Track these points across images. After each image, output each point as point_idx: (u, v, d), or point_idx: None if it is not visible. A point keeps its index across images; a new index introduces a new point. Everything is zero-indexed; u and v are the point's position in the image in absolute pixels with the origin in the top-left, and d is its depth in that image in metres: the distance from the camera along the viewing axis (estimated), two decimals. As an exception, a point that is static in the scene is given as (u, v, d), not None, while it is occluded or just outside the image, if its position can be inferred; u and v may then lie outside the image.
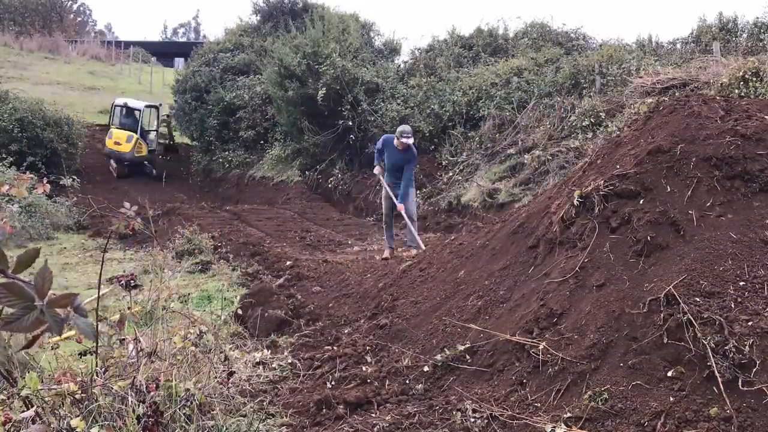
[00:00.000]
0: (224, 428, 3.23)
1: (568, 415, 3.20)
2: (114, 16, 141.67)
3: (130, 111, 22.10)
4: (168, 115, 23.98)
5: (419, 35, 60.49)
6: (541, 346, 3.67)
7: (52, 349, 3.51)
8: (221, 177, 21.59)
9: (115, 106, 22.17)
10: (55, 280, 1.48)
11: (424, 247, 8.30)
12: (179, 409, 3.05)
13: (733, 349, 3.07)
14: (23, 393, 2.60)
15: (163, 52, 44.44)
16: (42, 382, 2.78)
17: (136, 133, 21.46)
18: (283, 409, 3.88)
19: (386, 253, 9.21)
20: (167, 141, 24.16)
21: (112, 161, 22.08)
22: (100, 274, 3.11)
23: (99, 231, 12.78)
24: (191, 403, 3.10)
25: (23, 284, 1.28)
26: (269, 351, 5.01)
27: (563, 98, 13.42)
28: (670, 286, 3.45)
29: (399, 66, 19.97)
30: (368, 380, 4.17)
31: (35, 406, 2.68)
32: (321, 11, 22.08)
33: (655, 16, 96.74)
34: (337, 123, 16.20)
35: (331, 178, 16.93)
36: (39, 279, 1.30)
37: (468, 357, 4.05)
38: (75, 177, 12.54)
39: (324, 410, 3.81)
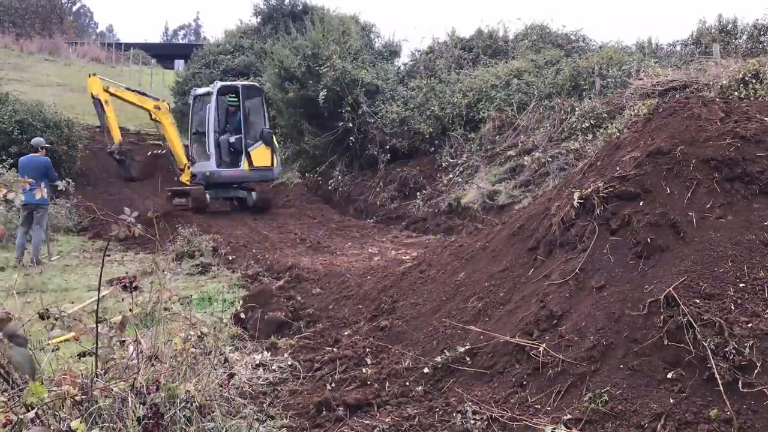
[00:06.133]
0: (224, 430, 3.22)
1: (568, 416, 3.20)
2: (115, 17, 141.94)
3: None
4: None
5: (419, 37, 60.59)
6: (541, 348, 3.67)
7: (52, 351, 3.51)
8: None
9: None
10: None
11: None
12: (179, 410, 3.05)
13: (733, 351, 3.07)
14: (29, 401, 2.60)
15: (164, 53, 44.45)
16: (42, 384, 2.77)
17: None
18: (283, 411, 3.88)
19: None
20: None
21: None
22: (100, 276, 3.11)
23: (99, 233, 12.80)
24: (191, 404, 3.10)
25: None
26: (269, 353, 5.01)
27: (563, 100, 13.43)
28: (670, 288, 3.45)
29: (399, 68, 20.01)
30: (368, 382, 4.17)
31: (35, 408, 2.68)
32: (321, 13, 22.11)
33: (655, 19, 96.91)
34: (337, 125, 16.20)
35: (331, 180, 16.93)
36: None
37: (468, 359, 4.05)
38: (69, 180, 12.48)
39: (324, 412, 3.82)
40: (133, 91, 15.98)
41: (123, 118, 26.54)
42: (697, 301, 3.38)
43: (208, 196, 14.70)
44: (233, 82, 17.08)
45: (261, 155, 14.97)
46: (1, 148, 15.83)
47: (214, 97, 14.81)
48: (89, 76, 15.50)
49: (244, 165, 14.79)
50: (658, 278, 3.66)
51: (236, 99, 15.05)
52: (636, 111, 10.77)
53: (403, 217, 13.82)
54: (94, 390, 2.88)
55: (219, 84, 15.40)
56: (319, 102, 16.17)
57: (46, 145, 11.17)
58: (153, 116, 15.75)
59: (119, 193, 18.06)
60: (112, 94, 15.18)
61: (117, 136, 15.19)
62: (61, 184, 5.29)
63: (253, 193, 15.24)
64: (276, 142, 15.53)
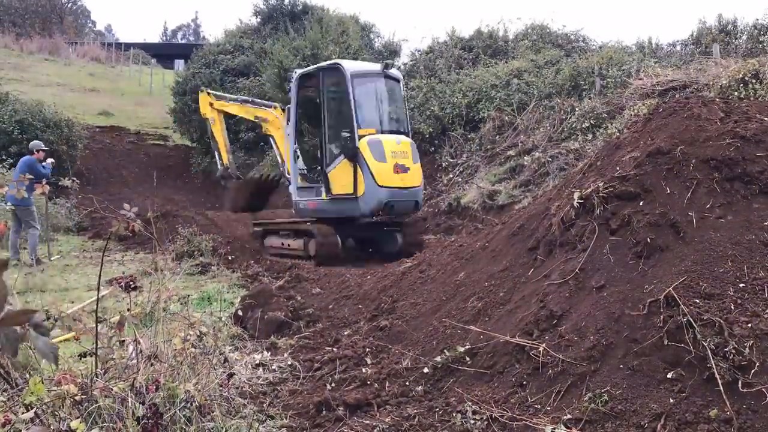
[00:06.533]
0: (224, 430, 3.22)
1: (568, 416, 3.20)
2: (114, 17, 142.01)
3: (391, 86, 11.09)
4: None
5: (419, 37, 60.49)
6: (541, 348, 3.67)
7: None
8: (221, 179, 21.53)
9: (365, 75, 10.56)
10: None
11: None
12: (179, 410, 3.05)
13: (733, 351, 3.07)
14: (28, 400, 2.60)
15: (164, 53, 44.50)
16: (42, 383, 2.77)
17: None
18: (283, 410, 3.88)
19: None
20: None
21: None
22: (99, 275, 3.11)
23: (99, 233, 12.81)
24: (191, 404, 3.10)
25: None
26: (269, 353, 5.01)
27: (563, 100, 13.44)
28: (670, 288, 3.45)
29: (399, 68, 20.00)
30: (368, 382, 4.17)
31: (35, 408, 2.68)
32: (320, 13, 22.12)
33: (655, 19, 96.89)
34: (337, 125, 16.18)
35: (331, 180, 16.88)
36: None
37: (468, 359, 4.04)
38: (74, 178, 12.49)
39: (324, 412, 3.81)
40: (241, 101, 13.20)
41: (122, 117, 26.62)
42: (697, 301, 3.37)
43: (340, 240, 10.00)
44: (315, 66, 12.07)
45: (341, 177, 9.87)
46: (1, 148, 15.84)
47: (293, 92, 11.26)
48: (199, 92, 13.45)
49: (323, 193, 10.26)
50: (658, 278, 3.66)
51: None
52: (636, 111, 10.78)
53: (403, 217, 13.81)
54: (93, 390, 2.88)
55: (298, 72, 11.45)
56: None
57: (43, 148, 11.16)
58: (263, 130, 12.70)
59: (119, 193, 18.07)
60: (219, 110, 13.13)
61: (224, 158, 12.99)
62: (67, 182, 5.31)
63: (398, 236, 10.31)
64: (376, 153, 9.73)
